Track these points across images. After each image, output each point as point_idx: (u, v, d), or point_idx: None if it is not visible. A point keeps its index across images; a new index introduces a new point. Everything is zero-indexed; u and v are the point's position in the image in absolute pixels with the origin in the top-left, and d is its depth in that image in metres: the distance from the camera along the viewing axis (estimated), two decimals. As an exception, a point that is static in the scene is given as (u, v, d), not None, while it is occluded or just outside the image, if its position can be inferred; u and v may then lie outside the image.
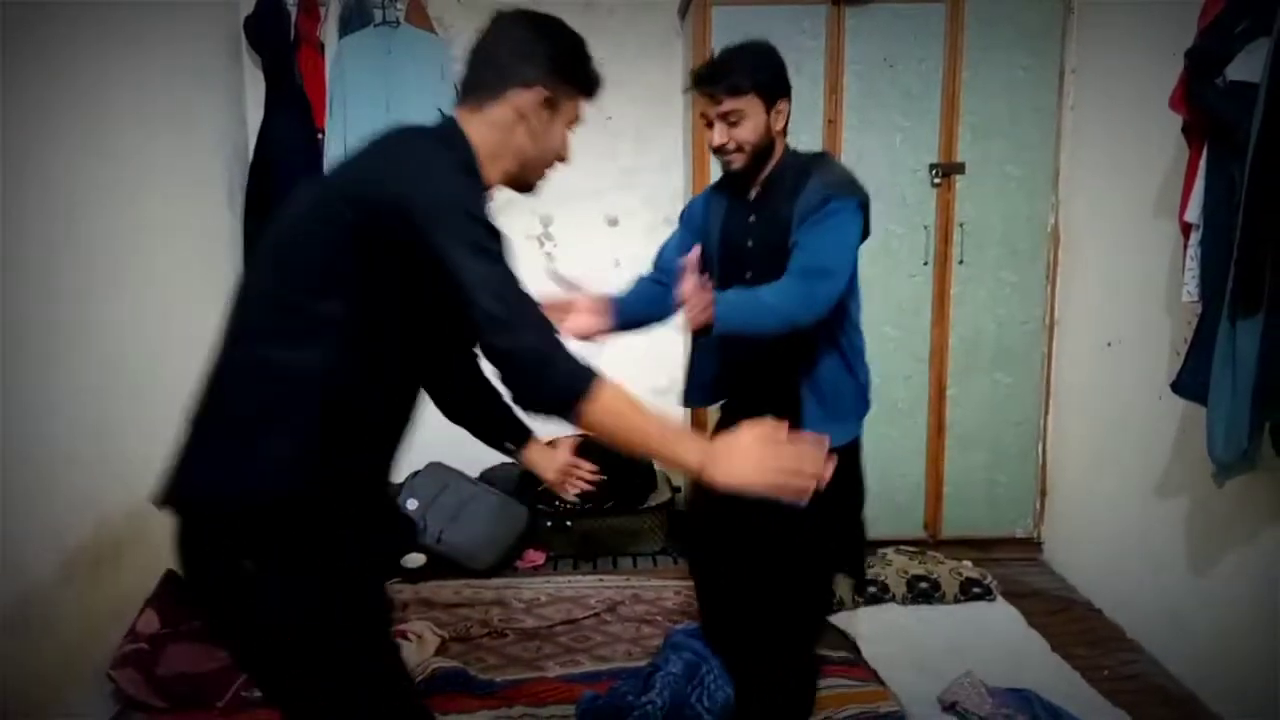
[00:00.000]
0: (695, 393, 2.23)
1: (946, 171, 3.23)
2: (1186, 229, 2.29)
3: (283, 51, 3.45)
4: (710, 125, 2.01)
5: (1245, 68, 2.02)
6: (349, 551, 1.36)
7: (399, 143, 1.40)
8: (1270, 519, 2.27)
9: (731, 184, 2.10)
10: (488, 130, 1.44)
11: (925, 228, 3.27)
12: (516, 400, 1.31)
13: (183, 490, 1.36)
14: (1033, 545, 3.46)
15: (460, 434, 3.98)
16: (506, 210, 3.91)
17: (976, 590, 3.05)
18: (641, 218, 3.77)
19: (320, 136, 3.49)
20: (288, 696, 1.39)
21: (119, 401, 2.62)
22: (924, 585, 3.05)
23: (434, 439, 3.94)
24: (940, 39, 3.18)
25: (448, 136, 1.43)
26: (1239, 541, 2.39)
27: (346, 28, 3.48)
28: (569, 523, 3.51)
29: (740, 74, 1.98)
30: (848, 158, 3.24)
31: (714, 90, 1.97)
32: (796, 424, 1.94)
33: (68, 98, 2.40)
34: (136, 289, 2.72)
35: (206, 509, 1.34)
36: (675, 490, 3.73)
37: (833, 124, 3.22)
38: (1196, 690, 2.54)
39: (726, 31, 3.16)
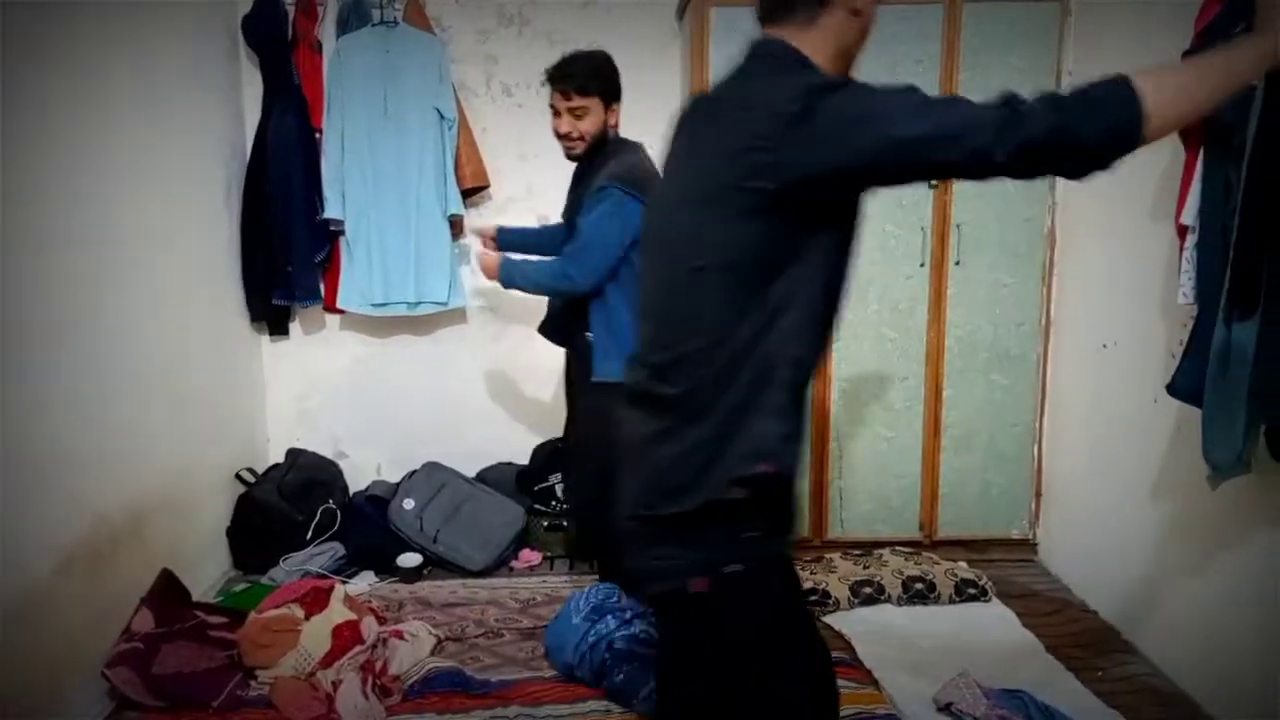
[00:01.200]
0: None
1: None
2: (1182, 231, 2.30)
3: (280, 50, 3.44)
4: (558, 115, 2.52)
5: (1241, 71, 2.02)
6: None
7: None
8: (1265, 521, 2.27)
9: (578, 169, 2.65)
10: (825, 40, 1.39)
11: (922, 229, 3.27)
12: (1078, 173, 1.32)
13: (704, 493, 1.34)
14: (1028, 546, 3.46)
15: (458, 434, 3.99)
16: (506, 209, 3.92)
17: (972, 591, 3.06)
18: (639, 218, 3.77)
19: (318, 135, 3.49)
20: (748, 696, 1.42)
21: (117, 401, 2.62)
22: (919, 586, 3.05)
23: (430, 439, 3.97)
24: (937, 40, 3.18)
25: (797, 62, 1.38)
26: (1234, 543, 2.39)
27: (344, 27, 3.48)
28: (565, 523, 3.51)
29: (589, 77, 2.49)
30: (845, 159, 3.24)
31: (567, 88, 2.47)
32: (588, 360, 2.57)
33: (65, 96, 2.40)
34: (134, 287, 2.72)
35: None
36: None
37: (830, 125, 3.22)
38: (1191, 692, 2.55)
39: (725, 32, 3.18)
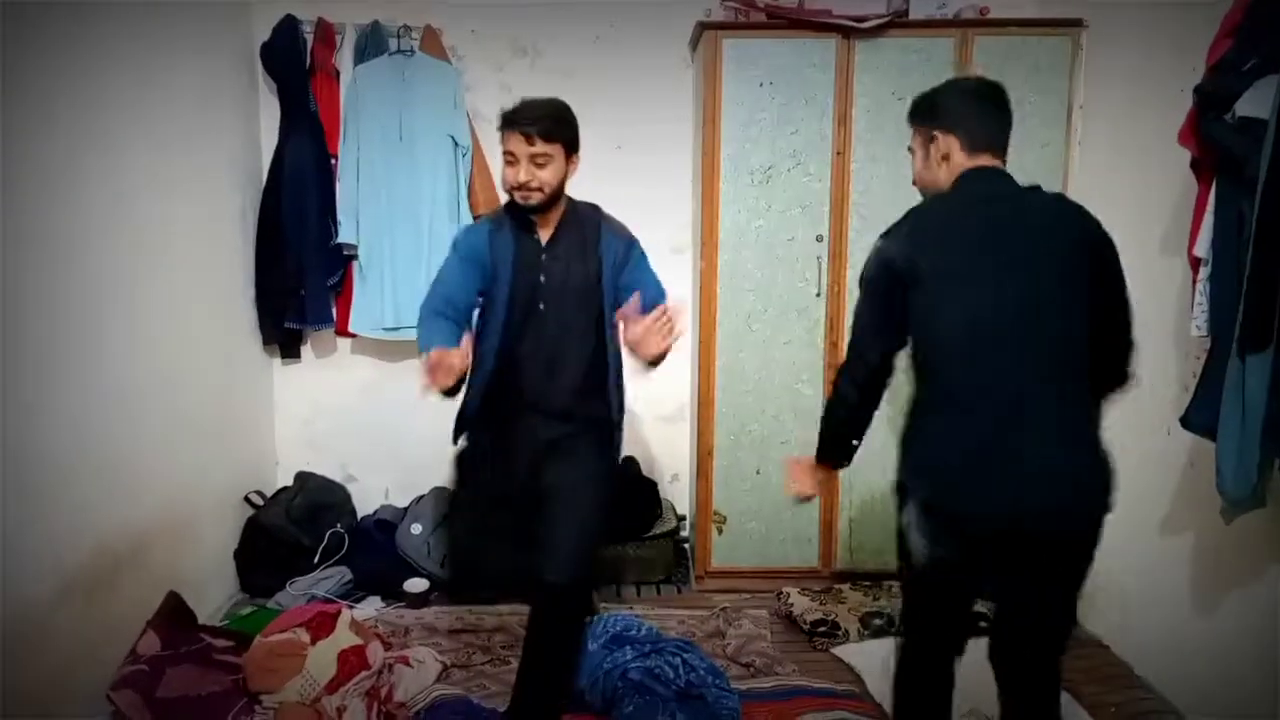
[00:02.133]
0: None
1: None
2: (1195, 264, 2.30)
3: (298, 78, 3.49)
4: (513, 163, 2.25)
5: (1254, 104, 2.03)
6: None
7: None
8: (1278, 556, 2.25)
9: (518, 223, 2.35)
10: None
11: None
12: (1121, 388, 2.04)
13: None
14: (1040, 580, 3.43)
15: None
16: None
17: (983, 624, 3.02)
18: (650, 246, 3.77)
19: (333, 161, 3.53)
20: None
21: (124, 422, 2.63)
22: (930, 619, 3.02)
23: (439, 464, 3.96)
24: (948, 73, 3.20)
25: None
26: (1247, 578, 2.37)
27: (362, 56, 3.52)
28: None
29: (555, 124, 2.26)
30: (857, 189, 3.26)
31: (533, 132, 2.22)
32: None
33: (81, 120, 2.43)
34: (145, 309, 2.74)
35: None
36: (680, 519, 3.72)
37: (841, 156, 3.25)
38: (1206, 729, 2.51)
39: (737, 62, 3.21)
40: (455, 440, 2.48)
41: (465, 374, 2.21)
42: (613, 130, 3.68)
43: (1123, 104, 3.01)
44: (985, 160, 1.92)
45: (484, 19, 3.63)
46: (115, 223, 2.58)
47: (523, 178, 2.24)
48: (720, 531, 3.44)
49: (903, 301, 1.87)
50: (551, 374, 2.36)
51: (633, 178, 3.71)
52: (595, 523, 2.39)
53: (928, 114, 1.98)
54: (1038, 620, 1.96)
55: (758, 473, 3.42)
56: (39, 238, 2.24)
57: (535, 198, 2.26)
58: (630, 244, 2.42)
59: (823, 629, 3.02)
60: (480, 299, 2.40)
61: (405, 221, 3.51)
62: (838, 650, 2.94)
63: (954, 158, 1.92)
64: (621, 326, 2.18)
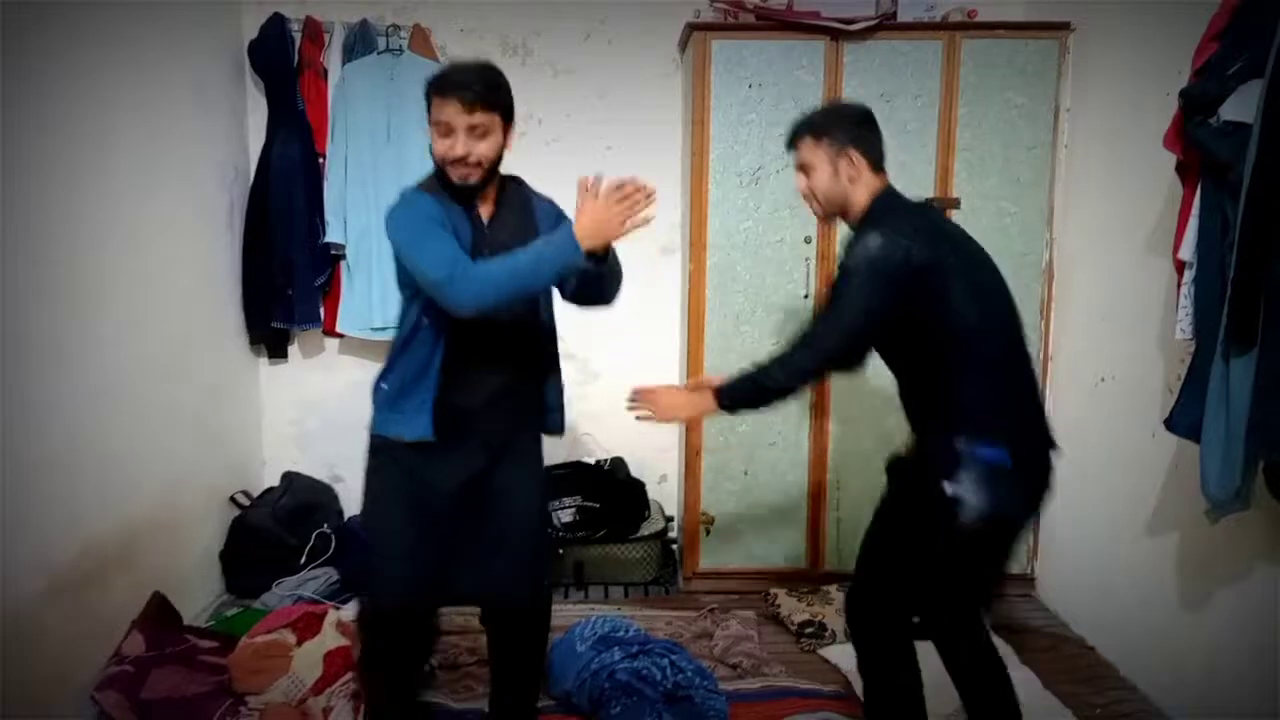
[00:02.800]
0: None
1: (942, 206, 3.25)
2: (1180, 266, 2.31)
3: (286, 76, 3.47)
4: (447, 134, 1.98)
5: (1239, 108, 2.05)
6: None
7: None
8: (1263, 557, 2.27)
9: (456, 199, 2.06)
10: None
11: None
12: None
13: None
14: (1026, 581, 3.45)
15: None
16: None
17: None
18: (638, 245, 3.76)
19: (321, 160, 3.51)
20: None
21: (110, 421, 2.61)
22: (914, 620, 3.03)
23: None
24: (936, 76, 3.22)
25: None
26: (1232, 579, 2.38)
27: (350, 54, 3.51)
28: (561, 551, 3.49)
29: (495, 89, 2.02)
30: (844, 191, 3.27)
31: (473, 98, 1.96)
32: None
33: (68, 117, 2.42)
34: (132, 307, 2.73)
35: None
36: (668, 520, 3.72)
37: (830, 157, 3.25)
38: (1190, 729, 2.53)
39: (726, 63, 3.21)
40: (378, 445, 2.15)
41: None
42: (602, 130, 3.68)
43: (1109, 107, 3.03)
44: (885, 179, 2.13)
45: (473, 17, 3.63)
46: (103, 221, 2.57)
47: (461, 150, 1.98)
48: (708, 532, 3.45)
49: (902, 301, 1.96)
50: (501, 369, 2.13)
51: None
52: (545, 533, 2.34)
53: (840, 130, 2.09)
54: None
55: (746, 474, 3.42)
56: (27, 236, 2.23)
57: (475, 175, 2.01)
58: (561, 214, 2.19)
59: (810, 630, 3.03)
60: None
61: (393, 221, 3.49)
62: (825, 651, 2.94)
63: (863, 175, 2.08)
64: (576, 204, 1.95)
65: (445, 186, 2.06)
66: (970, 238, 2.12)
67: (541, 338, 2.23)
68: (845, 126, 2.10)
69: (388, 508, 2.15)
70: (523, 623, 2.29)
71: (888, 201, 2.08)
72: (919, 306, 1.96)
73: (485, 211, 2.12)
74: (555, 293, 2.18)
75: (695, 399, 2.22)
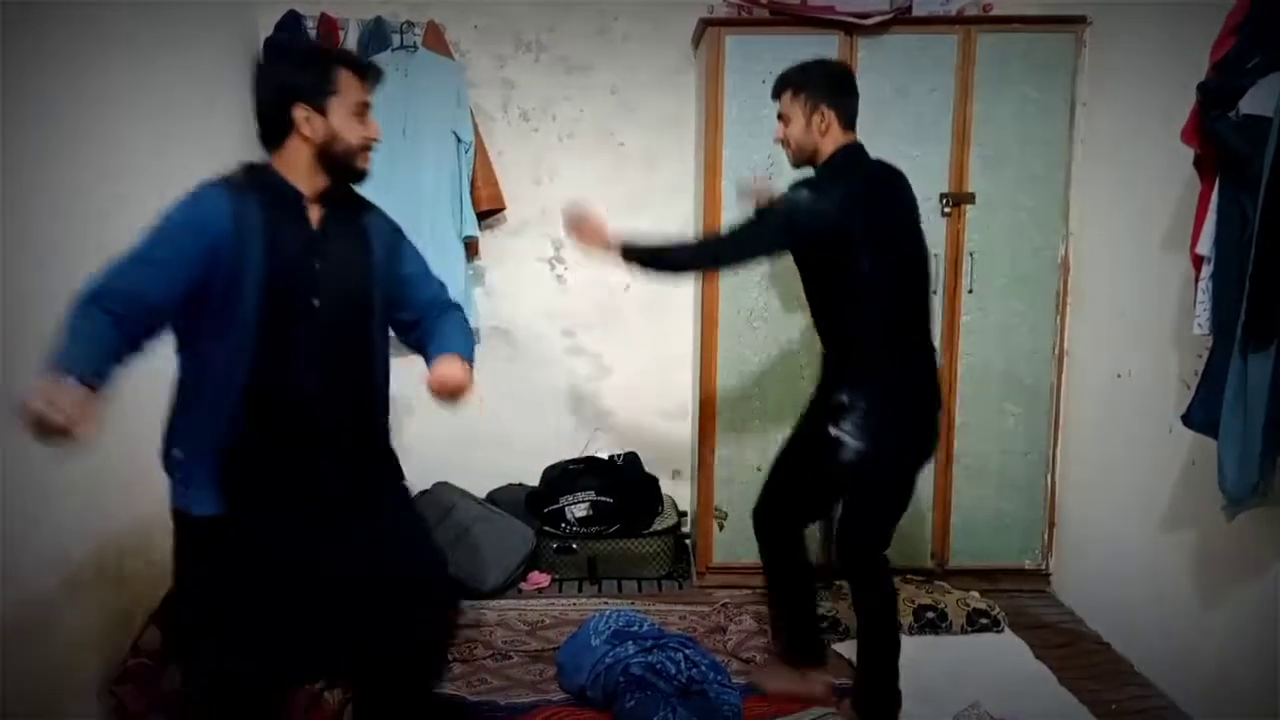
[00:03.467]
0: None
1: (956, 201, 3.24)
2: (1198, 261, 2.30)
3: (301, 73, 3.48)
4: (363, 114, 1.85)
5: (1258, 102, 2.03)
6: None
7: None
8: (1281, 554, 2.26)
9: (274, 194, 1.82)
10: None
11: (935, 256, 3.27)
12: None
13: None
14: (1041, 577, 3.44)
15: (468, 455, 4.00)
16: (521, 232, 3.95)
17: (984, 621, 3.03)
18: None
19: (335, 157, 3.52)
20: None
21: (128, 413, 2.62)
22: (931, 615, 3.03)
23: (441, 459, 3.97)
24: (951, 70, 3.20)
25: None
26: (1249, 576, 2.37)
27: (365, 51, 3.52)
28: (575, 545, 3.51)
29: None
30: (859, 186, 3.26)
31: (376, 80, 1.90)
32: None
33: (85, 118, 2.43)
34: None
35: None
36: (681, 515, 3.72)
37: (844, 152, 3.24)
38: (1206, 726, 2.52)
39: (740, 59, 3.21)
40: (187, 515, 1.88)
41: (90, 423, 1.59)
42: (615, 126, 3.69)
43: (1126, 101, 3.01)
44: (853, 136, 2.38)
45: (487, 14, 3.63)
46: (118, 222, 2.56)
47: (372, 133, 1.85)
48: (721, 528, 3.45)
49: (808, 251, 2.32)
50: (336, 400, 1.88)
51: (635, 174, 3.72)
52: (438, 584, 2.04)
53: (816, 88, 2.33)
54: None
55: (759, 469, 3.42)
56: (42, 238, 2.24)
57: (365, 163, 1.88)
58: (397, 229, 2.05)
59: (824, 625, 3.02)
60: (186, 299, 1.77)
61: (407, 218, 3.47)
62: (839, 646, 2.94)
63: (833, 130, 2.33)
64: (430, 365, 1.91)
65: (268, 186, 1.82)
66: (909, 210, 2.37)
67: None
68: (823, 85, 2.35)
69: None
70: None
71: (849, 156, 2.34)
72: (825, 260, 2.29)
73: (315, 211, 1.87)
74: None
75: (607, 238, 2.39)
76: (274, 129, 1.83)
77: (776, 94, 2.40)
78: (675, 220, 3.68)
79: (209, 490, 1.82)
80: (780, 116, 2.40)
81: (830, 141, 2.34)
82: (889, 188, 2.37)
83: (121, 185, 2.62)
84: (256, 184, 1.82)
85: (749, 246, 2.39)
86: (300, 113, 1.79)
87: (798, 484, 2.54)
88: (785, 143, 2.41)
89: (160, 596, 2.69)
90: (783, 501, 2.58)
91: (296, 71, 1.83)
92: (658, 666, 2.52)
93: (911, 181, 2.42)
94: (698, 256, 2.55)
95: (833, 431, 2.31)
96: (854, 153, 2.35)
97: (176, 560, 1.92)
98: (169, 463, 1.89)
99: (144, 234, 1.77)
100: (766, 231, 2.33)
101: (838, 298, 2.35)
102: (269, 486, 1.84)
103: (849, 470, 2.32)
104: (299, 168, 1.84)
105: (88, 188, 2.45)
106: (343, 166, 1.85)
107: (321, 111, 1.80)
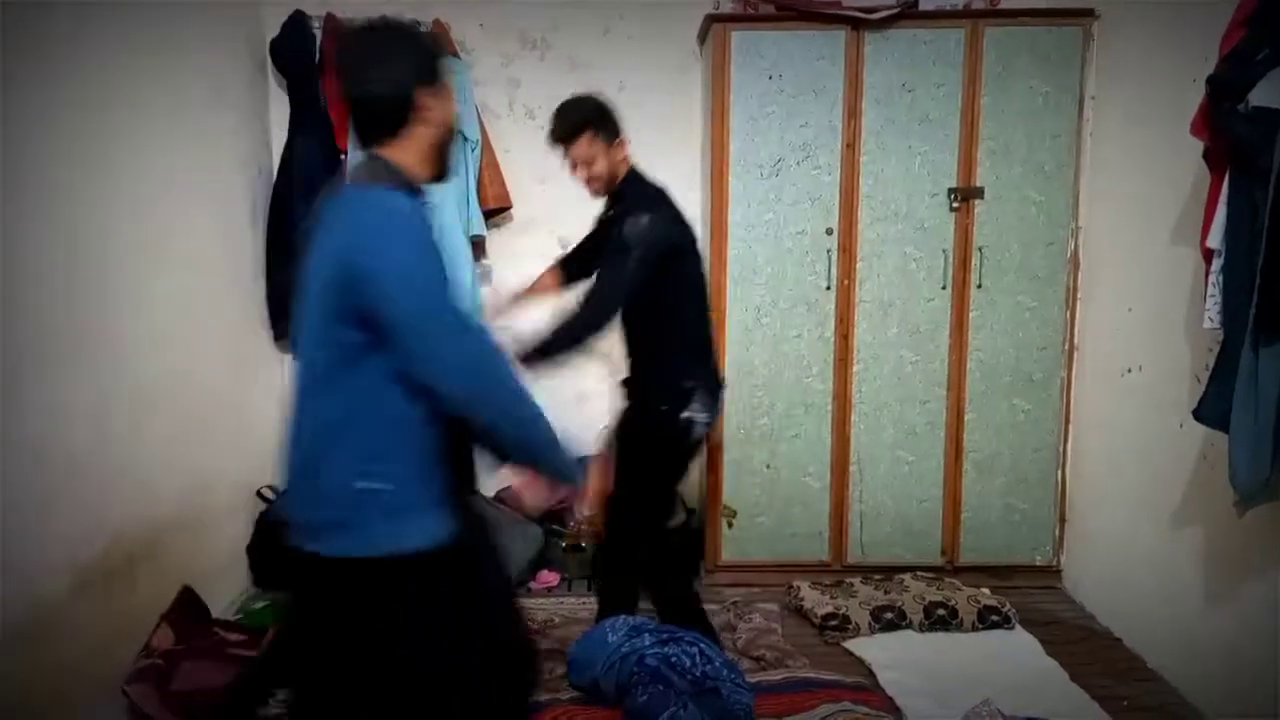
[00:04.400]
0: None
1: (965, 196, 3.23)
2: (1208, 255, 2.28)
3: (308, 73, 3.49)
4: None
5: (1268, 94, 2.02)
6: None
7: None
8: (1294, 549, 2.24)
9: (416, 195, 1.69)
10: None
11: (944, 251, 3.26)
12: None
13: None
14: (1052, 573, 3.42)
15: (476, 454, 3.98)
16: (527, 229, 3.95)
17: (995, 618, 3.02)
18: (659, 240, 3.79)
19: (342, 158, 3.53)
20: None
21: (137, 416, 2.64)
22: (941, 612, 3.02)
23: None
24: (959, 64, 3.19)
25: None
26: (1260, 571, 2.36)
27: (370, 50, 3.52)
28: (583, 545, 3.50)
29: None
30: (866, 181, 3.25)
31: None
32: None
33: (93, 119, 2.44)
34: (157, 303, 2.75)
35: None
36: (690, 513, 3.72)
37: (851, 148, 3.23)
38: (1219, 722, 2.51)
39: (746, 55, 3.20)
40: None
41: None
42: (622, 123, 3.67)
43: (1134, 94, 2.99)
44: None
45: (492, 13, 3.63)
46: (126, 222, 2.59)
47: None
48: (730, 525, 3.45)
49: (657, 273, 2.42)
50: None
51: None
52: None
53: (607, 122, 2.49)
54: None
55: (768, 467, 3.42)
56: (50, 239, 2.25)
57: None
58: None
59: (833, 623, 3.02)
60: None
61: (415, 216, 3.51)
62: (849, 644, 2.94)
63: (625, 153, 2.54)
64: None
65: (407, 183, 1.66)
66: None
67: None
68: (609, 117, 2.50)
69: None
70: None
71: (637, 174, 2.56)
72: (669, 277, 2.46)
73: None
74: None
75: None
76: (395, 117, 1.64)
77: (571, 138, 2.48)
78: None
79: (429, 517, 1.64)
80: (574, 161, 2.50)
81: (624, 164, 2.53)
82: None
83: (132, 183, 2.63)
84: (402, 183, 1.65)
85: (625, 281, 2.43)
86: (426, 97, 1.64)
87: (635, 470, 2.62)
88: (591, 181, 2.52)
89: (171, 597, 2.70)
90: (628, 497, 2.63)
91: (421, 54, 1.68)
92: (673, 659, 2.51)
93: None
94: (597, 320, 2.44)
95: (685, 414, 2.52)
96: (636, 169, 2.56)
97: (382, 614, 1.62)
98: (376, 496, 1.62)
99: (427, 287, 1.60)
100: (633, 264, 2.41)
101: (672, 303, 2.53)
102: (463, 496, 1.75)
103: (698, 441, 2.63)
104: (417, 158, 1.68)
105: (96, 187, 2.46)
106: (447, 156, 1.74)
107: (441, 96, 1.67)
